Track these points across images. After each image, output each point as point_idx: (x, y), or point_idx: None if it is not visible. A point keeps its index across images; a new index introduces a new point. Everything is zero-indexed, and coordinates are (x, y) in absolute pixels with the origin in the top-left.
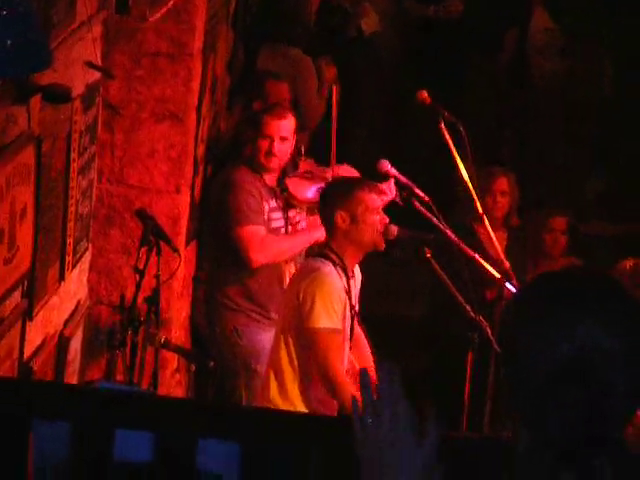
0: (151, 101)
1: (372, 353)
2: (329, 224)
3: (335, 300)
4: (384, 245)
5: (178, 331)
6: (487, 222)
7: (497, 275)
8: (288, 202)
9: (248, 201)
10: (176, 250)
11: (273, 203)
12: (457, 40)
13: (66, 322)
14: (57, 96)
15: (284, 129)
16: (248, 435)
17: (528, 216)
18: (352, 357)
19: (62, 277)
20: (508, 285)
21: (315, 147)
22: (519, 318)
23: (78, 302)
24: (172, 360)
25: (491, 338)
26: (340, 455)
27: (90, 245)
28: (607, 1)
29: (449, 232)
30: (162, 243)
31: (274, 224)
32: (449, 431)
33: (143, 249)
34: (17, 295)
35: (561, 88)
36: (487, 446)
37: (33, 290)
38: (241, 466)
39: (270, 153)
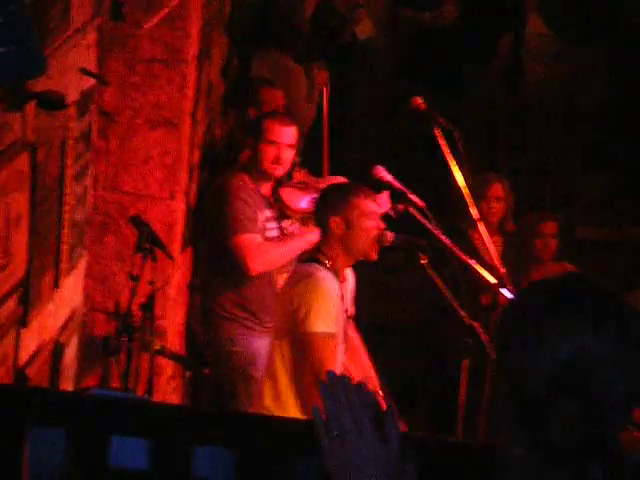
0: (146, 107)
1: (369, 358)
2: (323, 229)
3: (330, 305)
4: (376, 256)
5: (173, 338)
6: (483, 228)
7: (492, 281)
8: (281, 212)
9: (244, 209)
10: (171, 257)
11: (268, 213)
12: (452, 46)
13: (61, 329)
14: (52, 103)
15: (291, 136)
16: (243, 441)
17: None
18: (346, 361)
19: (57, 284)
20: (503, 291)
21: (308, 155)
22: (515, 324)
23: (73, 309)
24: (167, 367)
25: (486, 344)
26: None
27: (85, 252)
28: (602, 4)
29: (444, 238)
30: (157, 250)
31: (268, 234)
32: (441, 436)
33: (138, 256)
34: (12, 302)
35: (556, 94)
36: (482, 451)
37: (28, 297)
38: (235, 473)
39: (277, 160)
